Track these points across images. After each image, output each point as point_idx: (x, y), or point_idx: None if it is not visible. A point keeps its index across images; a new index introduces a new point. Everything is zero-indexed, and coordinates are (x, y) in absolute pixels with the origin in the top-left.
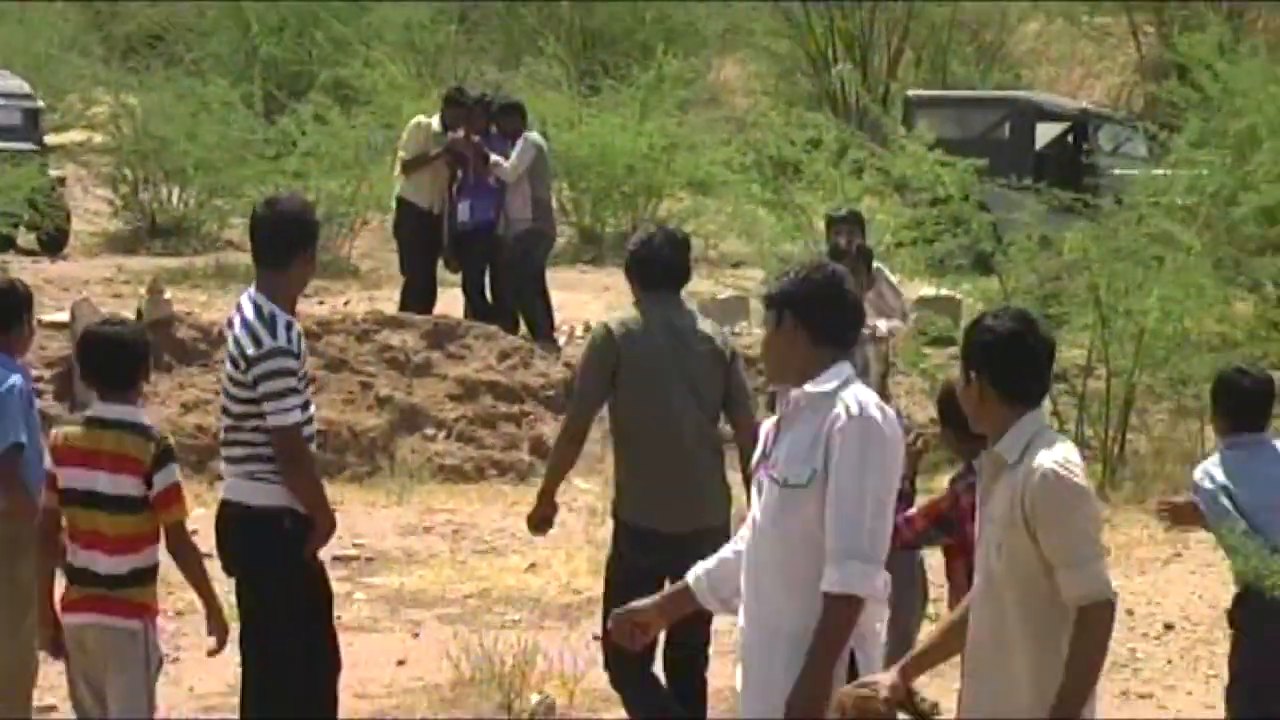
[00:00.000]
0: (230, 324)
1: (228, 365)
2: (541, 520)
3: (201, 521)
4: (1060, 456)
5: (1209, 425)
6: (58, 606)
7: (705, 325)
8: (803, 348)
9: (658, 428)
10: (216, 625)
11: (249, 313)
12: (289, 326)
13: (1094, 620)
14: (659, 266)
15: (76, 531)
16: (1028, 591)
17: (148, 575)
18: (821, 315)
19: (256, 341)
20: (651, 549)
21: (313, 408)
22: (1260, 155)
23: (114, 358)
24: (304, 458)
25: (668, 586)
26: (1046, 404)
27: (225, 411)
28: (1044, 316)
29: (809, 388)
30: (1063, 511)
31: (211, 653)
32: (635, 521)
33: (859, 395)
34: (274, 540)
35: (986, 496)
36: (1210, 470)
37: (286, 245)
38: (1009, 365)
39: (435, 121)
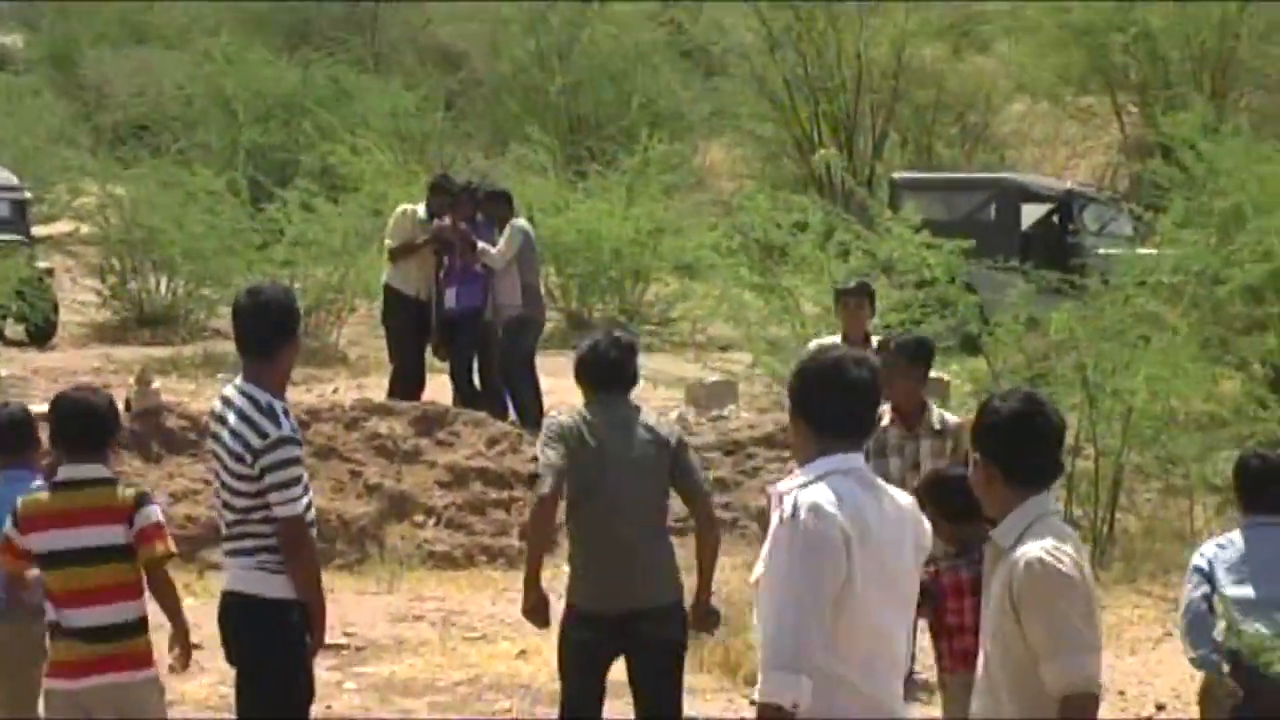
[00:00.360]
0: (222, 419)
1: (228, 460)
2: (533, 611)
3: (192, 612)
4: (1050, 544)
5: (1198, 504)
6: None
7: (649, 418)
8: (804, 439)
9: (606, 518)
10: (182, 642)
11: (242, 404)
12: (286, 414)
13: (1076, 711)
14: (606, 370)
15: (55, 594)
16: (1019, 678)
17: (145, 623)
18: (813, 406)
19: (261, 434)
20: (598, 628)
21: (310, 493)
22: (1244, 234)
23: (87, 424)
24: (309, 546)
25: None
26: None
27: (228, 506)
28: None
29: (779, 485)
30: (1047, 600)
31: (173, 669)
32: (584, 605)
33: (801, 497)
34: (283, 631)
35: (988, 581)
36: (1205, 549)
37: (271, 333)
38: (1013, 447)
39: (421, 209)
